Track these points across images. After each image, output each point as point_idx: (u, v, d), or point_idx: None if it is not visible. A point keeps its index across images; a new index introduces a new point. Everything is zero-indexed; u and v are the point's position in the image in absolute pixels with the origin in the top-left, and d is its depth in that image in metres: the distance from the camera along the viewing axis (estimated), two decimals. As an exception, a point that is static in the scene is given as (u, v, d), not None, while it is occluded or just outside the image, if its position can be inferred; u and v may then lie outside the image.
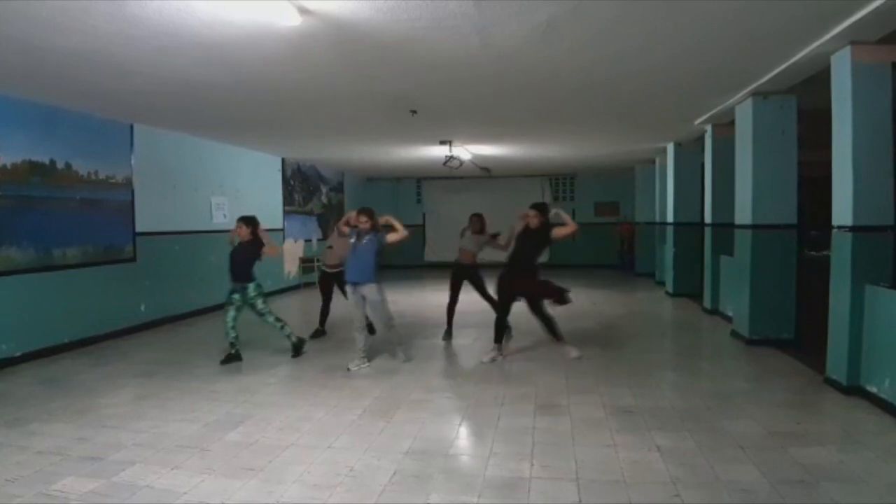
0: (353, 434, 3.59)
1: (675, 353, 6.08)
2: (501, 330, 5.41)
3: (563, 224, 5.34)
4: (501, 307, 5.37)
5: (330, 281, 6.37)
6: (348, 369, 5.02)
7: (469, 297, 6.27)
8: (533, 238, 5.26)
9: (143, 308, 7.03)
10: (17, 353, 5.38)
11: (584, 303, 8.84)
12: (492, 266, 6.03)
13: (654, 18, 3.64)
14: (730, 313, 6.80)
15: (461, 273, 6.20)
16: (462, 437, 3.62)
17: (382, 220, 5.28)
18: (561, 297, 5.18)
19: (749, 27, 3.83)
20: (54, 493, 2.84)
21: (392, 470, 3.06)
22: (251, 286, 5.28)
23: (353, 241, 5.10)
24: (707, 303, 7.78)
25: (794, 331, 5.73)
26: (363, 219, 5.07)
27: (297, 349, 5.50)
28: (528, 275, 5.28)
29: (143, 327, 6.95)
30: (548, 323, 5.35)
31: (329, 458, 3.24)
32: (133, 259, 6.93)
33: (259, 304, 5.33)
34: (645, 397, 4.21)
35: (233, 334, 5.31)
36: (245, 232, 5.30)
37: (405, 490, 2.85)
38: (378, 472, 3.04)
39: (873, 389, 3.96)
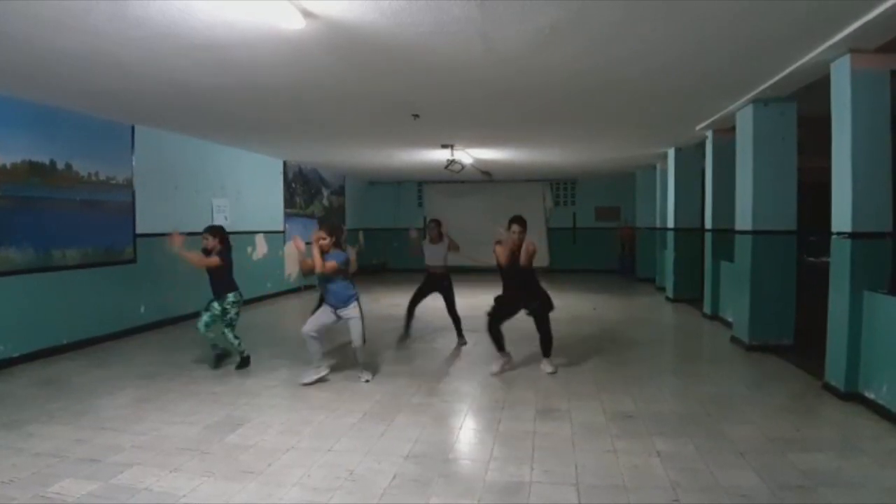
0: (354, 437, 3.59)
1: (675, 358, 6.08)
2: (500, 337, 5.09)
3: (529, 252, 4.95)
4: (497, 317, 5.06)
5: None
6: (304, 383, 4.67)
7: (464, 302, 6.27)
8: (519, 252, 4.88)
9: (143, 310, 7.03)
10: (16, 354, 5.36)
11: (584, 308, 8.86)
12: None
13: (655, 23, 3.65)
14: (730, 318, 6.82)
15: (431, 283, 6.08)
16: (462, 441, 3.62)
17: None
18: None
19: (749, 34, 3.85)
20: (52, 495, 2.83)
21: (392, 473, 3.06)
22: (231, 296, 5.17)
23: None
24: (707, 308, 7.80)
25: (793, 336, 5.74)
26: (322, 234, 4.72)
27: (244, 363, 5.27)
28: (536, 286, 5.01)
29: (142, 329, 6.94)
30: (549, 340, 5.10)
31: (329, 461, 3.24)
32: (133, 260, 6.93)
33: (234, 313, 5.19)
34: (645, 402, 4.21)
35: (211, 335, 5.22)
36: (214, 242, 5.12)
37: (405, 494, 2.85)
38: (378, 476, 3.03)
39: (871, 395, 3.97)
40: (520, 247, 4.85)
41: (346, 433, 3.66)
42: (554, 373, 5.01)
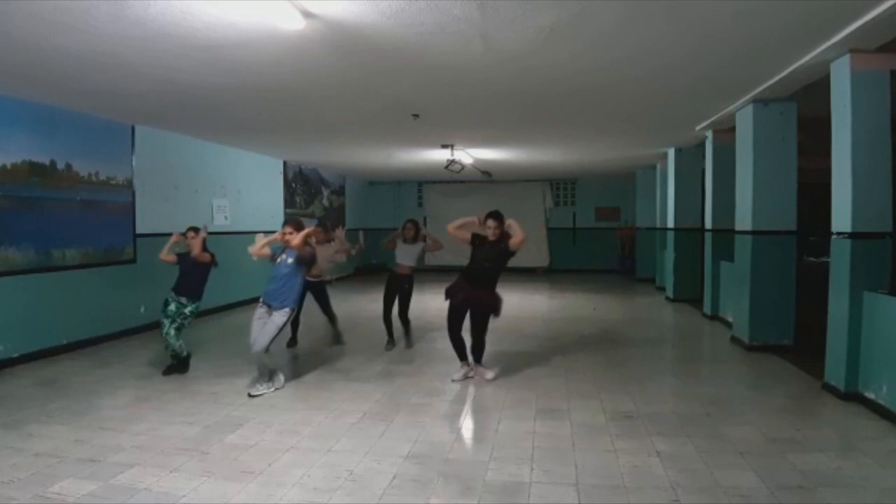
0: (354, 437, 3.59)
1: (675, 359, 6.07)
2: (460, 346, 4.88)
3: (514, 234, 4.78)
4: (453, 323, 4.83)
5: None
6: (249, 395, 4.40)
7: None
8: (492, 250, 4.72)
9: (142, 310, 7.02)
10: (16, 354, 5.36)
11: (584, 307, 8.86)
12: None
13: (655, 23, 3.66)
14: (729, 319, 6.81)
15: (394, 284, 5.96)
16: (462, 441, 3.62)
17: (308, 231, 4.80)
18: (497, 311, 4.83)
19: (749, 34, 3.85)
20: (51, 495, 2.83)
21: (392, 474, 3.06)
22: (192, 306, 5.03)
23: (277, 257, 4.67)
24: (707, 308, 7.79)
25: (793, 336, 5.74)
26: (288, 230, 4.59)
27: (183, 364, 5.10)
28: (488, 289, 4.78)
29: (142, 329, 6.93)
30: (480, 347, 4.92)
31: (329, 461, 3.24)
32: (133, 261, 6.93)
33: (186, 323, 5.03)
34: (645, 402, 4.21)
35: (179, 343, 5.01)
36: (198, 243, 4.97)
37: (405, 494, 2.85)
38: (378, 476, 3.03)
39: (871, 395, 3.97)
40: (497, 241, 4.71)
41: (345, 433, 3.66)
42: (494, 378, 4.81)
